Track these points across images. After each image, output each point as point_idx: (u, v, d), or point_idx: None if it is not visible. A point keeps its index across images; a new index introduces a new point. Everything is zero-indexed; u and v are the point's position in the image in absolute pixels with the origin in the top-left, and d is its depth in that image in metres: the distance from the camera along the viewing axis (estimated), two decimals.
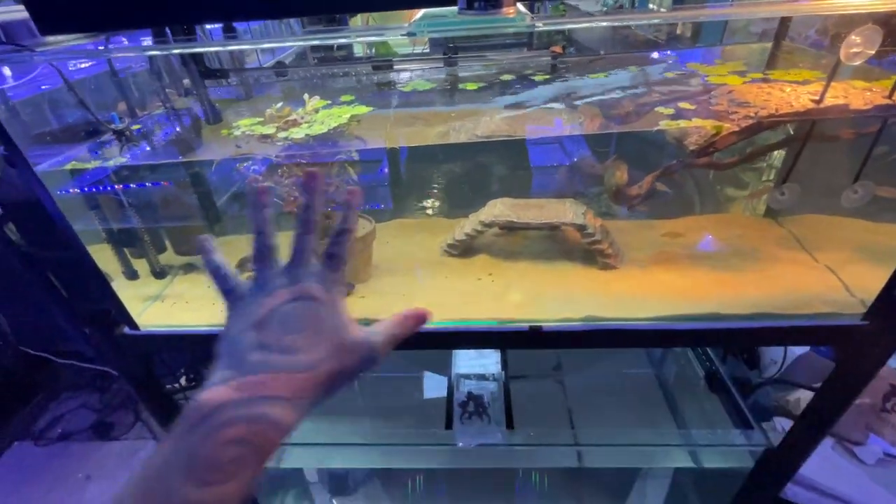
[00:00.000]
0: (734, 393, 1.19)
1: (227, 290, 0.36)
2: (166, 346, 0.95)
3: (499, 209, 0.92)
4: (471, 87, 0.93)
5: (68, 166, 0.72)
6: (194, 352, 1.08)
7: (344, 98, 0.85)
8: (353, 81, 1.03)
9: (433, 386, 1.45)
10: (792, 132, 0.85)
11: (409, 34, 0.53)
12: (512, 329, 0.80)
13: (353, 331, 0.35)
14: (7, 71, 1.04)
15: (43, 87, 1.49)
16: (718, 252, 0.94)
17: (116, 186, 0.78)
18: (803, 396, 1.31)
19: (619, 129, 0.73)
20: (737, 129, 0.69)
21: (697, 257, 0.92)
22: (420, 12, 0.64)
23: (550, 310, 0.81)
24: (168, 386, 1.10)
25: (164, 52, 0.89)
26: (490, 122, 0.82)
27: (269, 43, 1.06)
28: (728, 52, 1.07)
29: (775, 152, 0.96)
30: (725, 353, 1.30)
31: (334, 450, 1.19)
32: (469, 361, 1.32)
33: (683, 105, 0.71)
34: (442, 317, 0.82)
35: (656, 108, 0.73)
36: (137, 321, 0.84)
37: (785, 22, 0.89)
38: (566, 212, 0.89)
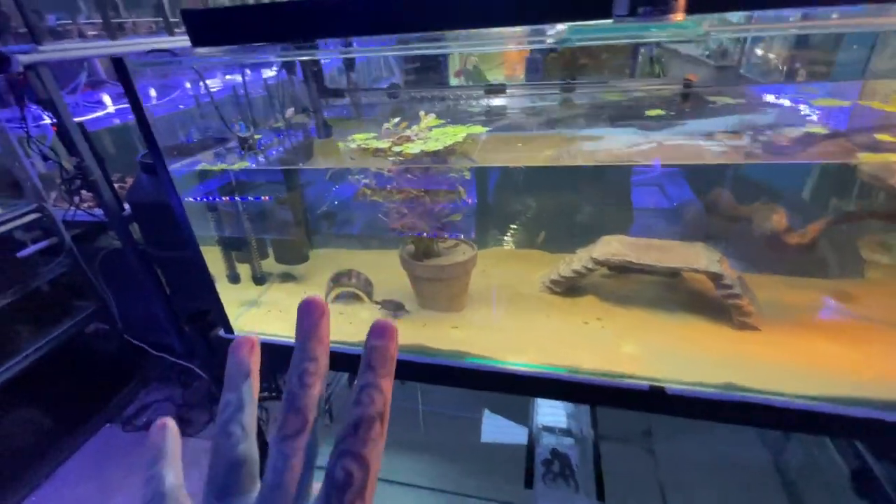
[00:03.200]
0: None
1: None
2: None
3: (614, 247, 0.82)
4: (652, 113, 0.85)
5: (199, 167, 0.75)
6: (276, 363, 1.07)
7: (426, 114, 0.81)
8: (463, 105, 1.02)
9: (508, 432, 1.33)
10: None
11: (561, 42, 0.47)
12: (626, 386, 0.68)
13: None
14: (153, 92, 1.18)
15: (180, 106, 1.66)
16: None
17: (235, 197, 0.81)
18: None
19: (792, 159, 0.61)
20: None
21: (868, 328, 0.74)
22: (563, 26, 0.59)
23: (675, 369, 0.69)
24: None
25: (306, 58, 0.92)
26: (613, 147, 0.74)
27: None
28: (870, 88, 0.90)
29: None
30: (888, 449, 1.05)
31: (396, 490, 1.11)
32: (552, 411, 1.19)
33: (882, 136, 0.58)
34: (541, 360, 0.73)
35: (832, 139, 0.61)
36: (233, 325, 0.84)
37: None
38: (697, 257, 0.77)
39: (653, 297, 0.84)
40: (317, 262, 0.99)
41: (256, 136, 0.82)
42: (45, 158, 1.70)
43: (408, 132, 0.74)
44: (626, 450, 1.35)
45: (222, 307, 0.84)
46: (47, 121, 1.65)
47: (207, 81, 0.82)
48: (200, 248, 0.79)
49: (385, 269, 0.92)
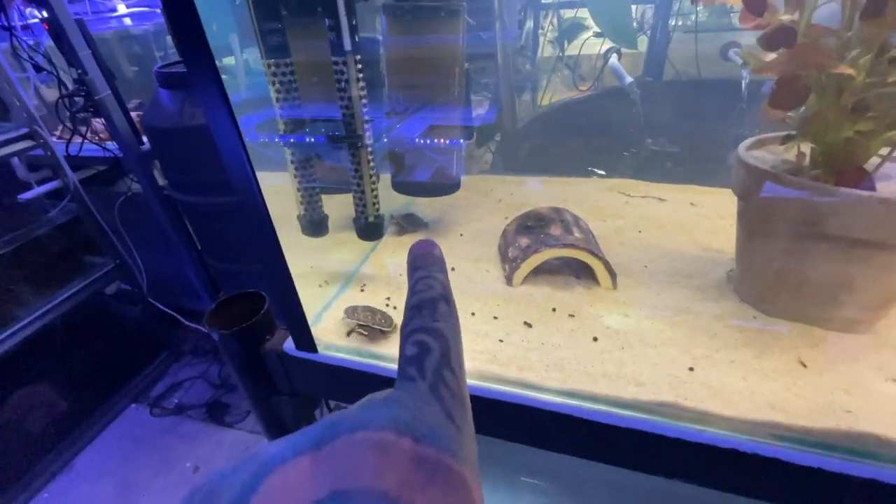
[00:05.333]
0: None
1: None
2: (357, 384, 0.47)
3: None
4: None
5: None
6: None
7: None
8: None
9: None
10: None
11: None
12: None
13: None
14: None
15: None
16: None
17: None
18: None
19: None
20: None
21: None
22: None
23: None
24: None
25: None
26: None
27: None
28: None
29: None
30: None
31: None
32: None
33: None
34: None
35: None
36: (313, 329, 0.41)
37: None
38: None
39: None
40: (464, 198, 0.55)
41: None
42: (38, 69, 1.30)
43: None
44: None
45: (294, 292, 0.41)
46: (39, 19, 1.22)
47: None
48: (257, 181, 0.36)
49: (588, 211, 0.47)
